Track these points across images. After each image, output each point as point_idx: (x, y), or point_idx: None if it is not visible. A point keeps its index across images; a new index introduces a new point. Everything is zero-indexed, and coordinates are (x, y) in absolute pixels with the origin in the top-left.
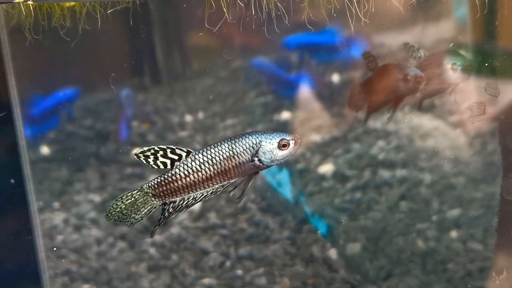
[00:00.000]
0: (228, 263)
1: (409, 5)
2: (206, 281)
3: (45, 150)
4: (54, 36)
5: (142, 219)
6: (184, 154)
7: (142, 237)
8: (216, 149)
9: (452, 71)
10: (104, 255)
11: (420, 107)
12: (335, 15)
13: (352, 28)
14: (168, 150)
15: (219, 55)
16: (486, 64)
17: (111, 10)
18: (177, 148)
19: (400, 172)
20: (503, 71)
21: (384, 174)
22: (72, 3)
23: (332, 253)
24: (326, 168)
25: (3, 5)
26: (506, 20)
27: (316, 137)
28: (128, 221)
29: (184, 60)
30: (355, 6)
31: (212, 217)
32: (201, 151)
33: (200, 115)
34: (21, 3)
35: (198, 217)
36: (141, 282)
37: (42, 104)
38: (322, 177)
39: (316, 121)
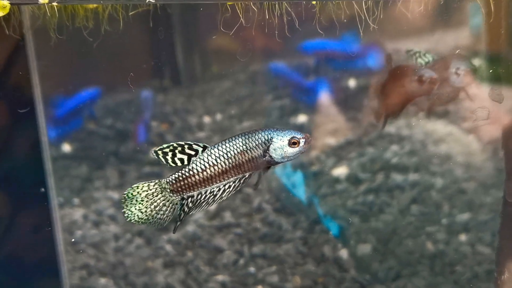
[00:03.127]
0: (241, 261)
1: (417, 13)
2: (220, 277)
3: (66, 147)
4: (78, 36)
5: (168, 218)
6: (200, 149)
7: (159, 234)
8: (231, 143)
9: (455, 75)
10: (122, 251)
11: (428, 115)
12: (345, 21)
13: (361, 34)
14: (186, 146)
15: (237, 59)
16: (491, 71)
17: (133, 12)
18: (194, 144)
19: (413, 176)
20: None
21: (397, 177)
22: (95, 5)
23: (343, 253)
24: (340, 171)
25: (29, 6)
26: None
27: (331, 140)
28: (155, 223)
29: (203, 63)
30: (364, 13)
31: (227, 216)
32: (216, 146)
33: (218, 116)
34: (45, 4)
35: (213, 216)
36: (157, 277)
37: (66, 105)
38: (336, 180)
39: (331, 124)
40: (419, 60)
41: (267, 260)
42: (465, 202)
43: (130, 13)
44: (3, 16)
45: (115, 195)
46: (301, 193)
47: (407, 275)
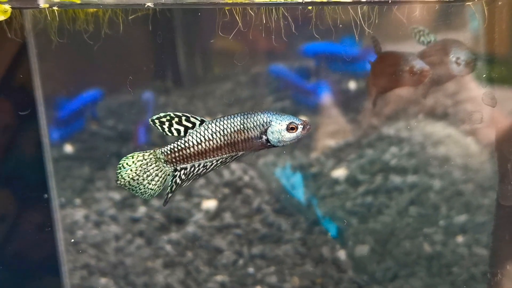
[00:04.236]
0: (240, 261)
1: (412, 17)
2: (219, 278)
3: (68, 148)
4: (79, 39)
5: (159, 189)
6: (197, 123)
7: (159, 234)
8: (229, 121)
9: (455, 64)
10: (122, 251)
11: (425, 97)
12: (341, 25)
13: (357, 38)
14: (183, 118)
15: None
16: (484, 76)
17: (133, 16)
18: (191, 116)
19: (411, 178)
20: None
21: (395, 179)
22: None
23: (341, 254)
24: (339, 173)
25: (30, 9)
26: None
27: (330, 142)
28: (145, 193)
29: (205, 65)
30: (359, 17)
31: (227, 217)
32: (214, 121)
33: None
34: (46, 8)
35: (213, 216)
36: (157, 277)
37: (68, 107)
38: (335, 181)
39: (331, 126)
40: (422, 38)
41: (266, 260)
42: (462, 204)
43: (130, 17)
44: (5, 20)
45: (116, 195)
46: (301, 194)
47: (405, 276)
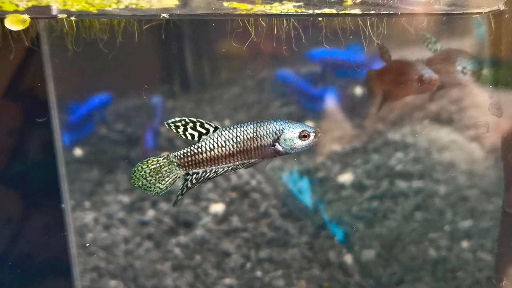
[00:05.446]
0: (248, 265)
1: (420, 28)
2: (227, 281)
3: (78, 152)
4: (93, 46)
5: (166, 188)
6: (212, 129)
7: (168, 237)
8: (242, 128)
9: (462, 74)
10: (131, 254)
11: (432, 100)
12: (351, 37)
13: (366, 48)
14: (198, 124)
15: (245, 66)
16: (490, 87)
17: (147, 26)
18: (206, 123)
19: (416, 183)
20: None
21: (401, 184)
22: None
23: (348, 258)
24: (346, 178)
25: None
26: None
27: (337, 147)
28: (153, 190)
29: (212, 70)
30: (368, 28)
31: (235, 221)
32: (228, 129)
33: (227, 122)
34: (64, 18)
35: (221, 220)
36: (166, 280)
37: (79, 111)
38: (341, 186)
39: (337, 131)
40: (430, 46)
41: (273, 264)
42: (467, 209)
43: (144, 27)
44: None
45: (125, 199)
46: (307, 198)
47: (410, 280)
